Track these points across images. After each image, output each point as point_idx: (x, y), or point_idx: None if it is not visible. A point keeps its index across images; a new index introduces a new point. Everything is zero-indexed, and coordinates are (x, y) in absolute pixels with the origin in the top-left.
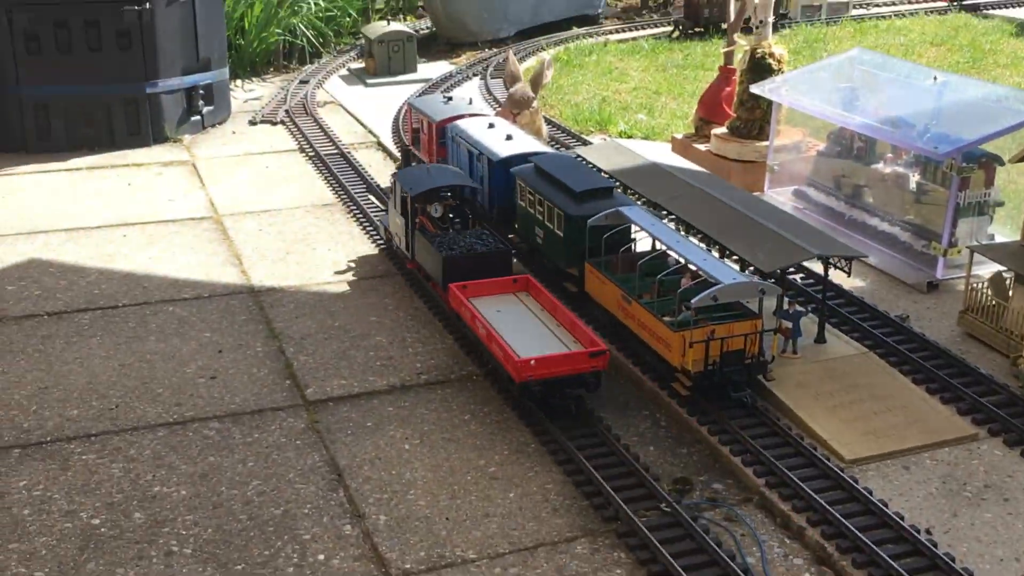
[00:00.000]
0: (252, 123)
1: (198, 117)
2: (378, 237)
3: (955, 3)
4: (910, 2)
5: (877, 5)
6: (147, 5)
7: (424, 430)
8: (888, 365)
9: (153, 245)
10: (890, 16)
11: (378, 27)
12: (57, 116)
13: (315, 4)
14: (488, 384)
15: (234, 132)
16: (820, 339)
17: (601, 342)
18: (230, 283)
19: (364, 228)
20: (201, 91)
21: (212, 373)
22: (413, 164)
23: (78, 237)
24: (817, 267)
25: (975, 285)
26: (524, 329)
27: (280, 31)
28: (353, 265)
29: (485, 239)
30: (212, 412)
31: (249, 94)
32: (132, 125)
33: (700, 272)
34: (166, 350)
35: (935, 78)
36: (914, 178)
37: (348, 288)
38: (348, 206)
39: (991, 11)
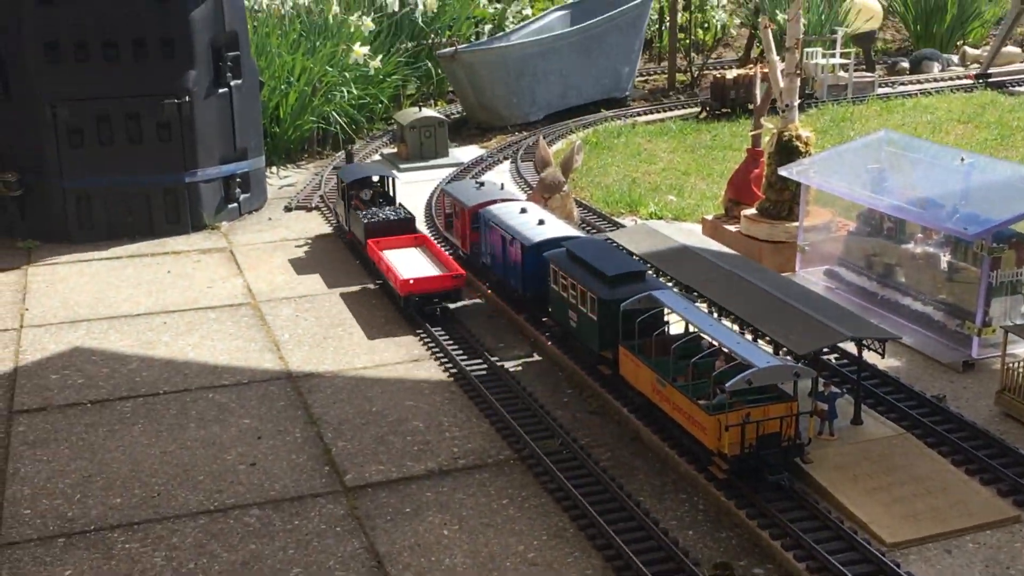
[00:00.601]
0: (287, 209)
1: (235, 205)
2: (412, 322)
3: (981, 80)
4: (936, 80)
5: (903, 83)
6: (186, 98)
7: (463, 515)
8: (926, 446)
9: (193, 332)
10: (916, 94)
11: (409, 113)
12: (98, 206)
13: (348, 92)
14: (525, 468)
15: (270, 218)
16: (856, 421)
17: (461, 269)
18: (268, 369)
19: (399, 312)
20: (238, 179)
21: (252, 460)
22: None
23: (119, 325)
24: (851, 347)
25: (1011, 365)
26: (414, 265)
27: (314, 119)
28: (389, 349)
29: (398, 211)
30: (252, 499)
31: (284, 181)
32: (171, 214)
33: (734, 355)
34: (206, 437)
35: (962, 159)
36: (945, 258)
37: (384, 373)
38: (383, 289)
39: (1017, 88)
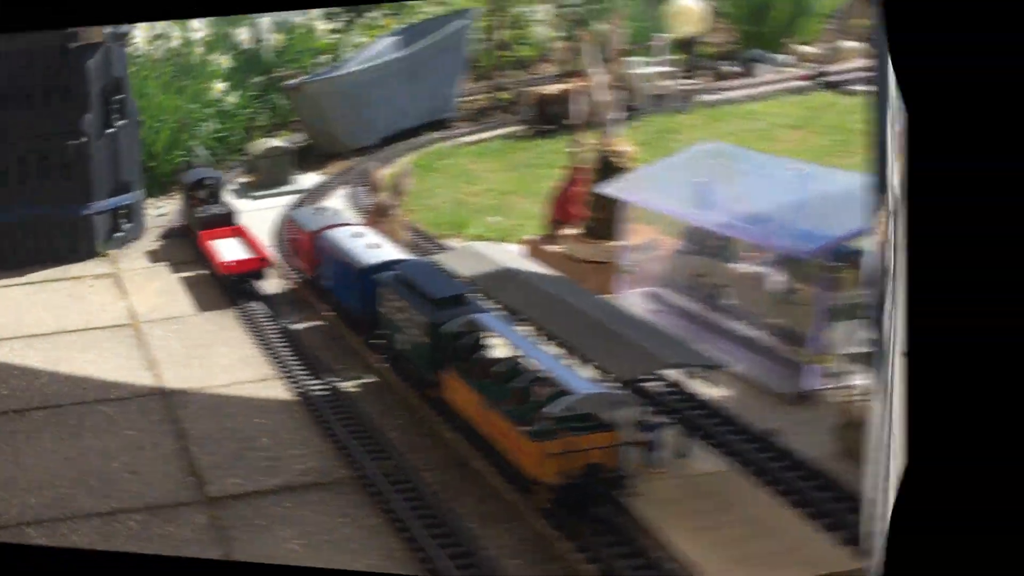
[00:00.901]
0: (163, 237)
1: (121, 234)
2: (263, 342)
3: (815, 80)
4: (766, 84)
5: (726, 90)
6: (84, 139)
7: (307, 531)
8: (757, 484)
9: (89, 350)
10: (743, 100)
11: (260, 143)
12: (17, 237)
13: (210, 127)
14: (360, 487)
15: (148, 247)
16: (682, 454)
17: (267, 253)
18: (146, 385)
19: (252, 334)
20: (122, 211)
21: (133, 468)
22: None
23: (34, 343)
24: (678, 375)
25: (851, 397)
26: (233, 251)
27: (182, 152)
28: (244, 369)
29: (224, 207)
30: (133, 505)
31: (159, 211)
32: (72, 243)
33: (555, 381)
34: (99, 446)
35: (793, 169)
36: (778, 278)
37: (239, 391)
38: (241, 310)
39: (855, 87)
